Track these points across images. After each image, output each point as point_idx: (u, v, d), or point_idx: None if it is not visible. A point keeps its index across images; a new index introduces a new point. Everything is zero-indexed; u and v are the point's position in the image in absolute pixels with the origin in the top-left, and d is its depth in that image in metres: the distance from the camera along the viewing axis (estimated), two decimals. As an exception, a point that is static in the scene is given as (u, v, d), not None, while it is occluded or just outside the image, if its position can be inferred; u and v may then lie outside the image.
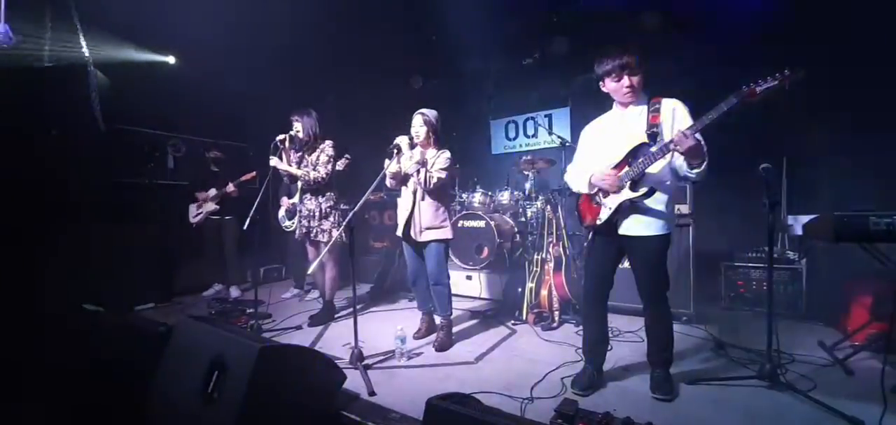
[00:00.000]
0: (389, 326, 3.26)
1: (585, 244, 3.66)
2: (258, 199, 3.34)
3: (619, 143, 2.15)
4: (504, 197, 4.69)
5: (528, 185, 4.44)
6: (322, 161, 3.51)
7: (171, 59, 5.12)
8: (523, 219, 4.39)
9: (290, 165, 3.56)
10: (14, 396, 2.33)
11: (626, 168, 2.10)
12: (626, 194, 2.09)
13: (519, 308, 3.59)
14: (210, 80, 5.00)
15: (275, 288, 4.73)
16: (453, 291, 3.22)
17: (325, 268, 3.64)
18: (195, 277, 4.83)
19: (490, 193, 4.73)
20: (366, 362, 2.60)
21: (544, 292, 3.46)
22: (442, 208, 2.98)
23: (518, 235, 4.43)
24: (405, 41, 5.29)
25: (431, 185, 2.88)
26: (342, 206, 3.75)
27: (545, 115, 5.61)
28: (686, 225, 3.29)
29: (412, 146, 2.99)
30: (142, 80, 4.69)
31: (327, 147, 3.55)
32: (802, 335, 2.95)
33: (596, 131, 2.33)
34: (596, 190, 2.22)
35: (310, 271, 3.24)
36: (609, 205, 2.16)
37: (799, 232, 2.93)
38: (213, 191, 4.64)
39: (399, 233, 3.08)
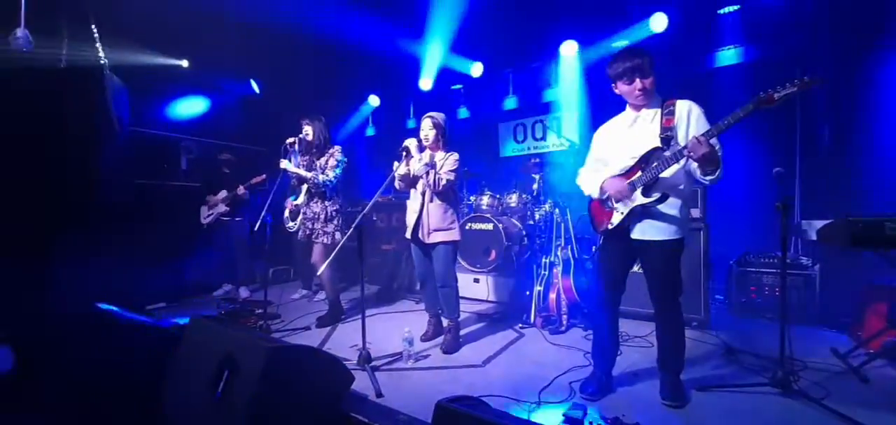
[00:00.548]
0: (397, 328, 3.28)
1: (595, 248, 3.64)
2: (268, 201, 3.39)
3: (632, 146, 2.12)
4: (512, 199, 4.68)
5: (536, 188, 4.43)
6: (331, 165, 3.56)
7: (184, 63, 5.20)
8: (531, 221, 4.37)
9: (299, 168, 3.61)
10: (28, 395, 2.38)
11: (639, 173, 2.08)
12: (639, 200, 2.07)
13: (527, 311, 3.57)
14: (223, 83, 5.07)
15: (284, 289, 4.77)
16: (461, 294, 3.22)
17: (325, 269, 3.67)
18: (205, 277, 4.89)
19: (498, 196, 4.73)
20: (373, 364, 2.61)
21: (552, 295, 3.45)
22: (450, 210, 2.99)
23: (526, 238, 4.42)
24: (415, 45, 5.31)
25: (440, 187, 2.89)
26: (348, 209, 3.78)
27: (554, 118, 5.59)
28: (698, 229, 3.26)
29: (421, 148, 3.01)
30: (156, 84, 4.77)
31: (336, 152, 3.61)
32: (815, 342, 2.90)
33: (609, 133, 2.31)
34: (607, 195, 2.21)
35: (318, 273, 3.27)
36: (621, 209, 2.15)
37: (813, 237, 2.89)
38: (223, 193, 4.70)
39: (407, 235, 3.10)
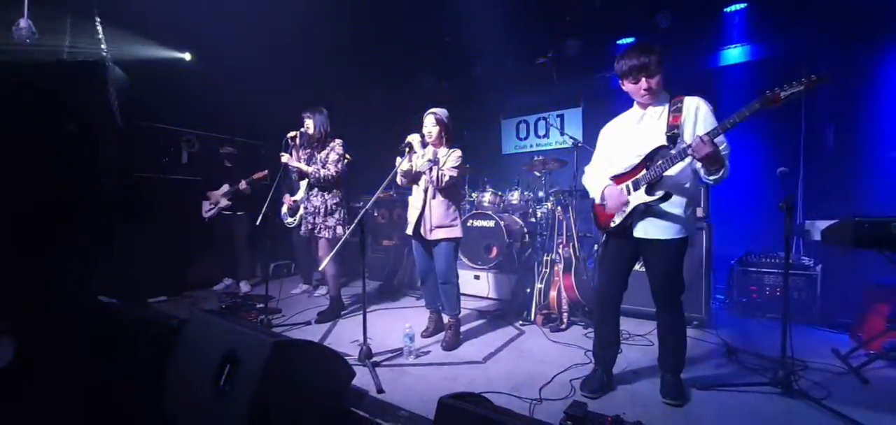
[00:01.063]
0: (397, 324, 3.27)
1: (597, 246, 3.64)
2: (270, 196, 3.38)
3: (639, 144, 2.11)
4: (514, 197, 4.68)
5: (538, 186, 4.43)
6: (332, 159, 3.54)
7: (187, 56, 5.19)
8: (533, 219, 4.37)
9: (300, 162, 3.60)
10: (30, 388, 2.38)
11: (644, 171, 2.07)
12: (642, 198, 2.06)
13: (527, 308, 3.57)
14: (225, 77, 5.06)
15: (284, 283, 4.78)
16: (461, 290, 3.22)
17: (327, 264, 3.67)
18: (206, 271, 4.90)
19: (500, 193, 4.72)
20: (374, 359, 2.61)
21: (553, 293, 3.45)
22: (453, 207, 2.99)
23: (527, 235, 4.42)
24: (418, 41, 5.30)
25: (443, 183, 2.88)
26: (350, 204, 3.78)
27: (557, 115, 5.58)
28: (701, 228, 3.25)
29: (424, 144, 3.00)
30: (158, 77, 4.76)
31: (337, 145, 3.59)
32: (816, 342, 2.91)
33: (615, 130, 2.29)
34: (606, 201, 2.20)
35: (321, 268, 3.27)
36: (619, 214, 2.14)
37: (817, 237, 2.88)
38: (225, 187, 4.70)
39: (409, 231, 3.09)
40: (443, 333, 3.08)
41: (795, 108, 3.74)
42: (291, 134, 3.55)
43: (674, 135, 1.99)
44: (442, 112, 3.03)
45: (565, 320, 3.36)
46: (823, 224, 2.68)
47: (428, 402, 1.95)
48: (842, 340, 2.92)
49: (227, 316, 3.37)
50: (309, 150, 3.65)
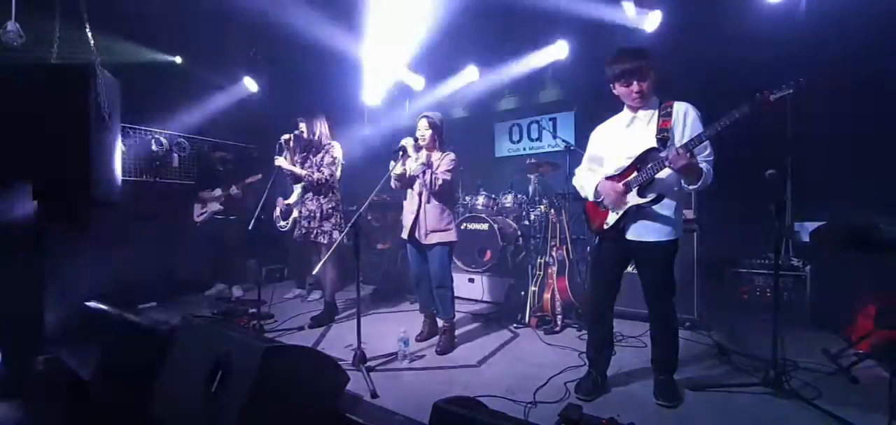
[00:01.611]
0: (392, 328, 3.26)
1: (590, 249, 3.66)
2: (263, 200, 3.36)
3: (629, 146, 2.14)
4: (507, 200, 4.69)
5: (531, 189, 4.44)
6: (326, 162, 3.52)
7: (178, 59, 5.15)
8: (527, 222, 4.38)
9: (294, 165, 3.58)
10: (20, 394, 2.34)
11: (635, 173, 2.09)
12: (634, 200, 2.08)
13: (521, 311, 3.58)
14: (217, 80, 5.03)
15: (277, 288, 4.74)
16: (455, 294, 3.22)
17: (326, 269, 3.65)
18: (198, 276, 4.84)
19: (493, 196, 4.73)
20: (368, 364, 2.60)
21: (547, 296, 3.46)
22: (447, 211, 2.99)
23: (521, 238, 4.43)
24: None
25: (437, 187, 2.88)
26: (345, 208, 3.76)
27: (550, 119, 5.61)
28: (691, 230, 3.28)
29: (417, 148, 3.00)
30: (149, 80, 4.72)
31: (332, 149, 3.57)
32: (807, 342, 2.93)
33: (605, 133, 2.32)
34: (601, 198, 2.22)
35: (314, 272, 3.25)
36: (616, 209, 2.16)
37: (805, 239, 2.92)
38: (217, 192, 4.66)
39: (404, 235, 3.09)
40: (437, 337, 3.07)
41: (783, 110, 3.78)
42: (285, 136, 3.53)
43: (664, 138, 2.02)
44: (435, 115, 3.03)
45: (559, 323, 3.37)
46: (812, 226, 2.72)
47: (423, 407, 1.93)
48: (832, 340, 2.96)
49: (219, 321, 3.33)
50: (304, 154, 3.63)
